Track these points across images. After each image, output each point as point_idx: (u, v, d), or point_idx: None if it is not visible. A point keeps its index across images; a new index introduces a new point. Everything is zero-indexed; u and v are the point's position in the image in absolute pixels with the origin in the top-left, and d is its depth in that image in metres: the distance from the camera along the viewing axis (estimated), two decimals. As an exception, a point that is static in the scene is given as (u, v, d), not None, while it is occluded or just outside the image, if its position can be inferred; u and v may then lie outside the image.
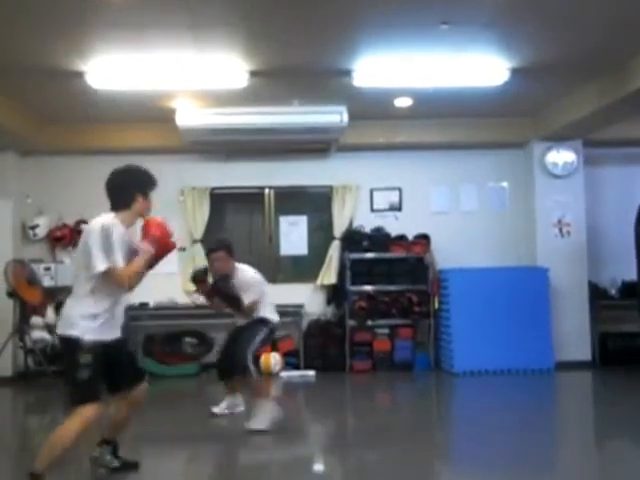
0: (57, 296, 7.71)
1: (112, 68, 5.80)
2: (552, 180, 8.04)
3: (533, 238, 8.11)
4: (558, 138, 7.84)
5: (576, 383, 7.43)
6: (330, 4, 4.65)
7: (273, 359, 7.70)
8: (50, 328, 7.55)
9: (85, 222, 7.92)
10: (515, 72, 6.06)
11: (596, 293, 8.06)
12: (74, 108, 7.04)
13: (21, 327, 7.48)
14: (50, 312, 7.61)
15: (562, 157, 8.01)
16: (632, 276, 7.17)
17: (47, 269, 7.71)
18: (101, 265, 3.50)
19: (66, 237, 7.93)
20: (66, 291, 7.52)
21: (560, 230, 8.04)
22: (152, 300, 7.81)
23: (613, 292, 8.16)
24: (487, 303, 7.43)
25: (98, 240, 3.52)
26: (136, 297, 7.34)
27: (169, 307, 7.92)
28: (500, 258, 8.05)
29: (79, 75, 5.86)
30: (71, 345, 3.53)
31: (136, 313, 7.57)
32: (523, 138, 8.07)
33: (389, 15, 4.82)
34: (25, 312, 7.54)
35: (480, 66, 5.99)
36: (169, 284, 7.75)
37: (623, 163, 8.42)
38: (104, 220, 3.59)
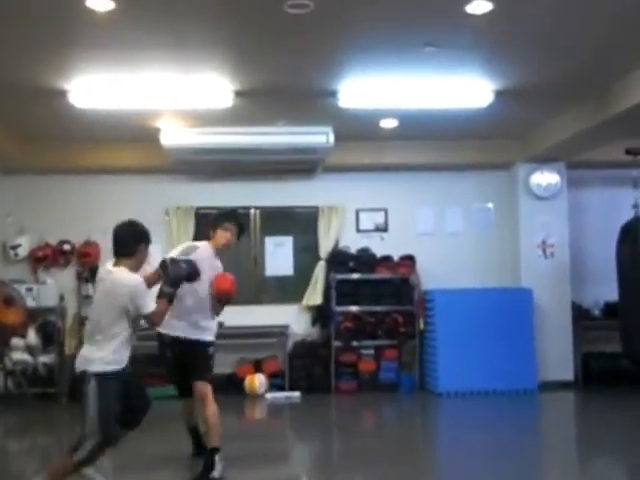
0: (39, 317, 7.61)
1: (96, 87, 5.76)
2: (536, 202, 8.09)
3: (517, 259, 8.14)
4: (542, 160, 7.90)
5: (559, 404, 7.43)
6: (315, 26, 4.67)
7: (258, 380, 7.62)
8: (31, 349, 7.41)
9: (68, 242, 7.87)
10: (499, 94, 6.11)
11: (579, 314, 8.08)
12: (57, 127, 6.98)
13: (0, 349, 7.34)
14: (32, 333, 7.47)
15: (546, 179, 8.07)
16: (614, 297, 7.18)
17: (29, 290, 7.57)
18: None
19: (48, 257, 7.83)
20: (48, 312, 7.53)
21: (544, 251, 8.07)
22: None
23: (596, 313, 8.19)
24: (472, 324, 7.43)
25: None
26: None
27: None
28: (485, 279, 8.06)
29: (62, 94, 5.82)
30: None
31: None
32: (508, 160, 8.12)
33: (374, 37, 4.85)
34: (5, 333, 7.40)
35: (465, 88, 6.03)
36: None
37: (606, 185, 8.48)
38: None
